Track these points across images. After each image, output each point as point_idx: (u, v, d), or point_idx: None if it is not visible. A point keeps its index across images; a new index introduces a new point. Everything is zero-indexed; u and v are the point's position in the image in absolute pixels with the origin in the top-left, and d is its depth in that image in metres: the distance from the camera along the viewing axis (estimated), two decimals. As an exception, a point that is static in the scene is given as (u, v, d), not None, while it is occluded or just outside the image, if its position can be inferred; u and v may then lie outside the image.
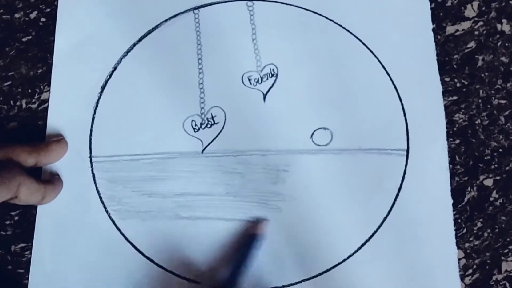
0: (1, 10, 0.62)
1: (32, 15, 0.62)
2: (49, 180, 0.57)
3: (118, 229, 0.57)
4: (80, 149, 0.58)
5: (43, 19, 0.62)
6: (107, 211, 0.57)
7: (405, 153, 0.58)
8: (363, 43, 0.60)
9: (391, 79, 0.59)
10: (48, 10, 0.62)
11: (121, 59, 0.60)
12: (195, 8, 0.62)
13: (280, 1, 0.61)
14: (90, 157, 0.58)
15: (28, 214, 0.57)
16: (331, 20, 0.61)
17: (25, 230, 0.57)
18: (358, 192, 0.57)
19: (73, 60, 0.61)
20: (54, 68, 0.60)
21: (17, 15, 0.62)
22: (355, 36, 0.60)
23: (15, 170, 0.51)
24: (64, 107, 0.60)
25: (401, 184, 0.57)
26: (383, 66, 0.60)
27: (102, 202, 0.57)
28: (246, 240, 0.56)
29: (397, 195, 0.57)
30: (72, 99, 0.60)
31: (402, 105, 0.59)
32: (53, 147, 0.57)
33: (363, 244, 0.56)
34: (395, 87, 0.59)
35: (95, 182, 0.58)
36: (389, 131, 0.58)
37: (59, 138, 0.58)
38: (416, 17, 0.61)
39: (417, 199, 0.57)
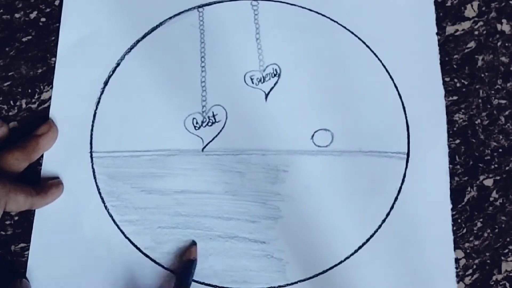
0: (1, 10, 0.62)
1: (32, 15, 0.62)
2: (42, 187, 0.56)
3: (117, 224, 0.56)
4: (81, 144, 0.58)
5: (43, 19, 0.62)
6: (106, 207, 0.57)
7: (405, 156, 0.58)
8: (367, 45, 0.61)
9: (393, 82, 0.60)
10: (48, 10, 0.62)
11: (124, 55, 0.61)
12: (199, 6, 0.62)
13: (285, 1, 0.62)
14: (91, 152, 0.58)
15: (28, 214, 0.57)
16: (335, 21, 0.61)
17: (25, 230, 0.57)
18: (358, 193, 0.57)
19: (76, 55, 0.61)
20: (58, 63, 0.61)
21: (17, 15, 0.62)
22: (358, 38, 0.61)
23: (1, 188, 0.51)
24: (67, 102, 0.60)
25: (400, 187, 0.57)
26: (385, 69, 0.60)
27: (101, 198, 0.57)
28: (183, 267, 0.56)
29: (396, 197, 0.57)
30: (74, 94, 0.60)
31: (404, 108, 0.59)
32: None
33: (361, 246, 0.56)
34: (397, 90, 0.59)
35: (95, 178, 0.58)
36: (390, 134, 0.59)
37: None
38: (420, 20, 0.61)
39: (416, 202, 0.57)
